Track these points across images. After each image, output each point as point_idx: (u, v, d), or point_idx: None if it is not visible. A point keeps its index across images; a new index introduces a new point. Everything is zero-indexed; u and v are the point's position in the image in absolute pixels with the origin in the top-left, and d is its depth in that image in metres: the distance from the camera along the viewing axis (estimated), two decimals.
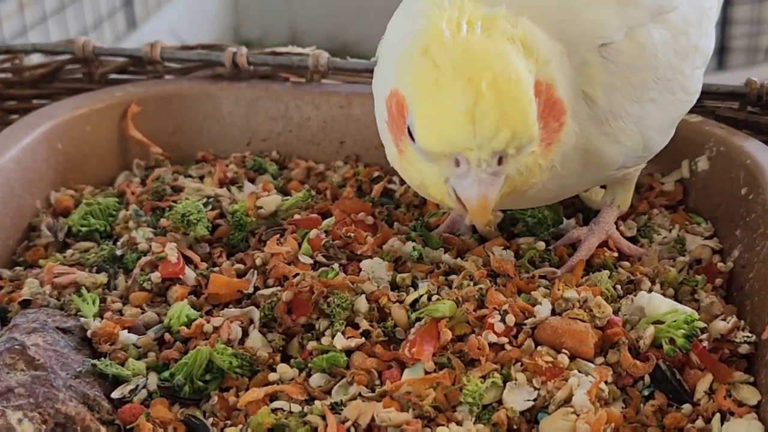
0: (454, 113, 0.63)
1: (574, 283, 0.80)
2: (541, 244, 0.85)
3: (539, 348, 0.72)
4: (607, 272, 0.81)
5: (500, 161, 0.65)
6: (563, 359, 0.71)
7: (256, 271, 0.83)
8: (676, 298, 0.80)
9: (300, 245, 0.85)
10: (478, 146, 0.63)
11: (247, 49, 1.05)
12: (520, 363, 0.71)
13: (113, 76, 1.09)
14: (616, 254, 0.86)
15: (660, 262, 0.85)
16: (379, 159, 1.02)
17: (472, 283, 0.79)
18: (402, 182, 0.99)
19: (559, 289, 0.77)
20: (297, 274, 0.79)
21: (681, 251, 0.88)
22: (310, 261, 0.83)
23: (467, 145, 0.64)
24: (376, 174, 1.00)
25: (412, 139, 0.67)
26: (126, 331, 0.76)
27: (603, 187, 0.91)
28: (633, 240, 0.89)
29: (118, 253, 0.86)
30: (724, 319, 0.75)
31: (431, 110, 0.64)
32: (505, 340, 0.72)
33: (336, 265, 0.82)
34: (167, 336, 0.76)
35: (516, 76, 0.64)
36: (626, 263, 0.85)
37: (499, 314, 0.73)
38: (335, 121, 1.04)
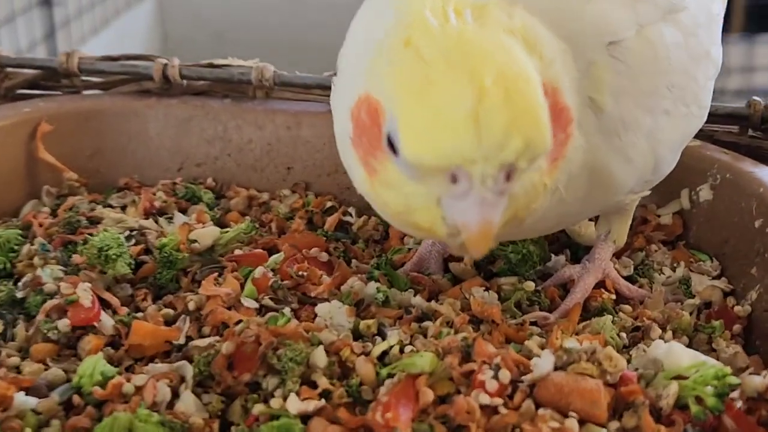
0: (452, 116, 0.50)
1: (571, 331, 0.68)
2: (530, 285, 0.73)
3: (541, 411, 0.58)
4: (609, 317, 0.69)
5: (507, 177, 0.52)
6: (572, 425, 0.57)
7: (188, 318, 0.68)
8: (690, 347, 0.68)
9: (242, 286, 0.71)
10: (484, 157, 0.50)
11: (179, 60, 0.91)
12: (518, 430, 0.57)
13: (22, 91, 0.94)
14: (614, 296, 0.74)
15: (666, 306, 0.73)
16: (331, 187, 0.89)
17: (452, 331, 0.65)
18: (360, 214, 0.86)
19: (557, 338, 0.64)
20: (239, 321, 0.65)
21: (687, 293, 0.76)
22: (255, 305, 0.69)
23: (470, 155, 0.50)
24: (328, 204, 0.87)
25: (394, 152, 0.53)
26: (23, 393, 0.60)
27: (591, 219, 0.79)
28: (630, 280, 0.77)
29: (19, 295, 0.70)
30: (757, 373, 0.62)
31: (422, 113, 0.51)
32: (499, 401, 0.58)
33: (287, 310, 0.68)
34: (76, 399, 0.61)
35: (525, 72, 0.52)
36: (627, 307, 0.73)
37: (491, 369, 0.60)
38: (281, 144, 0.90)
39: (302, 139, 0.90)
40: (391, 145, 0.53)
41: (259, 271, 0.71)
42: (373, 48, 0.56)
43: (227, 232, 0.77)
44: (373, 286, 0.72)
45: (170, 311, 0.70)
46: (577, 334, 0.68)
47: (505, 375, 0.59)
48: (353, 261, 0.79)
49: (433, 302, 0.71)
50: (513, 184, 0.52)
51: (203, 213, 0.83)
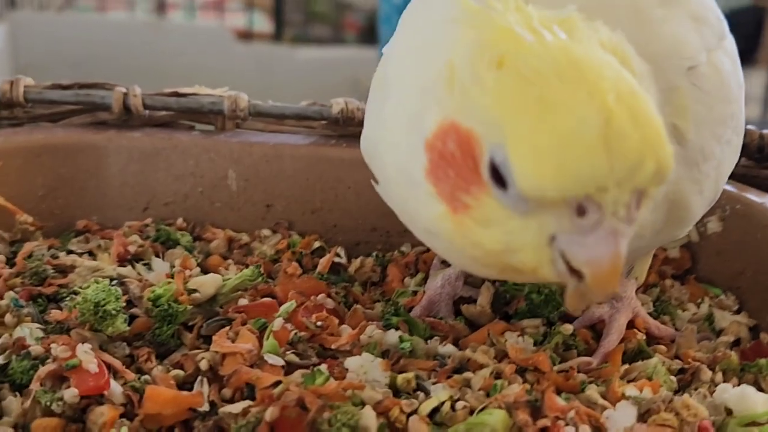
0: (580, 139, 0.45)
1: (616, 376, 0.63)
2: (568, 327, 0.68)
3: None
4: (656, 360, 0.65)
5: (637, 204, 0.47)
6: None
7: (205, 379, 0.60)
8: None
9: (260, 340, 0.63)
10: (617, 183, 0.45)
11: (141, 89, 0.83)
12: None
13: None
14: (644, 336, 0.70)
15: (701, 344, 0.70)
16: (316, 226, 0.82)
17: (505, 383, 0.60)
18: (349, 254, 0.79)
19: (619, 387, 0.60)
20: (277, 383, 0.58)
21: (711, 329, 0.73)
22: (281, 362, 0.62)
23: (602, 182, 0.45)
24: (316, 244, 0.80)
25: (501, 184, 0.48)
26: None
27: None
28: (651, 317, 0.74)
29: (0, 361, 0.61)
30: None
31: (542, 138, 0.45)
32: None
33: (323, 366, 0.61)
34: None
35: (638, 89, 0.47)
36: (662, 347, 0.70)
37: (568, 425, 0.55)
38: (260, 180, 0.83)
39: (284, 174, 0.82)
40: (496, 177, 0.48)
41: (278, 323, 0.64)
42: (445, 70, 0.51)
43: (230, 279, 0.69)
44: (394, 334, 0.66)
45: (180, 372, 0.62)
46: (625, 378, 0.64)
47: (586, 431, 0.55)
48: (356, 306, 0.73)
49: (469, 350, 0.65)
50: (641, 212, 0.48)
51: (188, 258, 0.74)
